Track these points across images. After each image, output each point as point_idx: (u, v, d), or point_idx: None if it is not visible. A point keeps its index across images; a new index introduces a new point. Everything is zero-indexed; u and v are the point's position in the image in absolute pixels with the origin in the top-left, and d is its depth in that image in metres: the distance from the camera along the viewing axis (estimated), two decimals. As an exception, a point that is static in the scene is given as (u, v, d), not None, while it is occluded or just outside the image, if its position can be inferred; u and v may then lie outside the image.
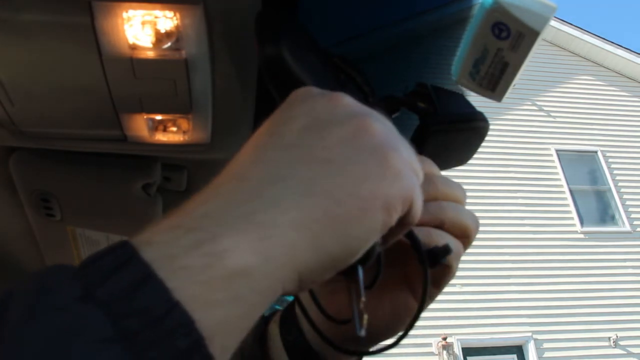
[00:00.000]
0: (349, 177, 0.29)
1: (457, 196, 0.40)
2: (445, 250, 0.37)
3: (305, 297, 0.44)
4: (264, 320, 0.49)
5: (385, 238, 0.32)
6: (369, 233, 0.29)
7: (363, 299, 0.34)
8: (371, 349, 0.43)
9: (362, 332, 0.34)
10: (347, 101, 0.32)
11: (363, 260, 0.33)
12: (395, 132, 0.32)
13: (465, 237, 0.40)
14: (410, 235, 0.37)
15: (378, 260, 0.38)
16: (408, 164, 0.31)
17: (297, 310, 0.45)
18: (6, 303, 0.22)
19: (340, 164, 0.29)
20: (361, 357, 0.46)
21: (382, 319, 0.41)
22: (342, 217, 0.28)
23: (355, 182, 0.29)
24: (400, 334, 0.41)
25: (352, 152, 0.29)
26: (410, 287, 0.41)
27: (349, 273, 0.33)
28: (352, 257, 0.29)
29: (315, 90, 0.33)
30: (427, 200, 0.37)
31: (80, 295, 0.22)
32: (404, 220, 0.32)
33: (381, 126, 0.31)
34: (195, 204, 0.27)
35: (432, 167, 0.40)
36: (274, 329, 0.47)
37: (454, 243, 0.38)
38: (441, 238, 0.38)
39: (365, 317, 0.35)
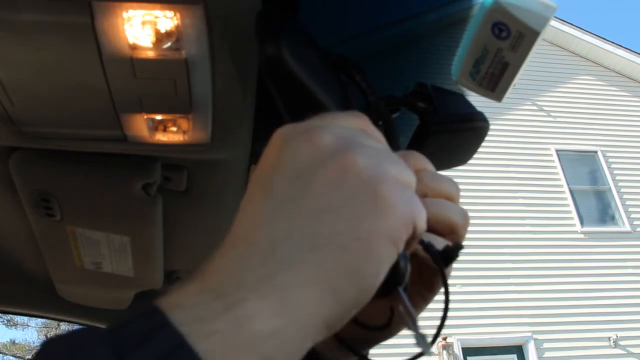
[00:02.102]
0: (347, 222, 0.29)
1: (446, 191, 0.40)
2: (458, 247, 0.37)
3: None
4: None
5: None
6: (379, 267, 0.29)
7: (415, 316, 0.34)
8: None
9: (429, 349, 0.34)
10: (327, 139, 0.32)
11: (399, 281, 0.33)
12: (379, 152, 0.32)
13: (452, 233, 0.40)
14: (420, 241, 0.36)
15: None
16: (399, 186, 0.31)
17: None
18: None
19: (334, 209, 0.29)
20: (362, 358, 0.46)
21: (380, 322, 0.41)
22: (352, 262, 0.29)
23: (354, 224, 0.29)
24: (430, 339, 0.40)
25: (343, 194, 0.30)
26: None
27: (387, 294, 0.33)
28: (371, 292, 0.30)
29: (294, 130, 0.33)
30: None
31: None
32: (414, 235, 0.32)
33: (364, 157, 0.31)
34: (213, 268, 0.28)
35: (422, 161, 0.40)
36: None
37: (441, 244, 0.38)
38: (425, 237, 0.38)
39: (427, 333, 0.34)
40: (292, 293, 0.27)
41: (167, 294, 0.27)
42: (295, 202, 0.30)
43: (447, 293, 0.37)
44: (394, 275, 0.32)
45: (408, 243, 0.32)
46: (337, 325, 0.29)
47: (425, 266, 0.39)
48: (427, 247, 0.37)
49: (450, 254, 0.37)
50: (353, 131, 0.34)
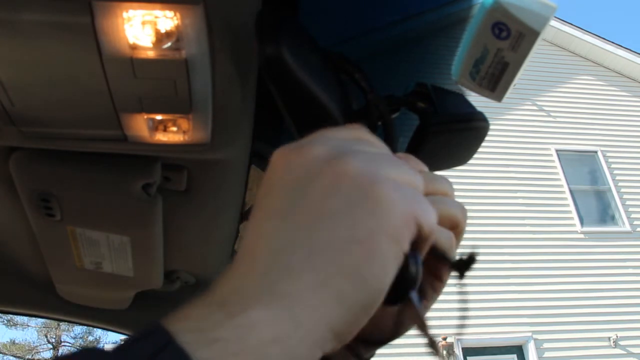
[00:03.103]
0: (344, 226, 0.29)
1: (443, 190, 0.40)
2: (472, 258, 0.37)
3: None
4: None
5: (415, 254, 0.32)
6: (383, 269, 0.29)
7: (428, 323, 0.34)
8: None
9: (441, 354, 0.34)
10: (318, 150, 0.32)
11: (411, 285, 0.32)
12: (375, 155, 0.33)
13: (454, 227, 0.40)
14: (434, 251, 0.36)
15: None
16: (397, 185, 0.31)
17: None
18: None
19: (331, 215, 0.30)
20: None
21: (384, 326, 0.41)
22: (352, 264, 0.28)
23: (352, 227, 0.29)
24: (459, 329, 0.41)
25: (338, 199, 0.30)
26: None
27: (398, 300, 0.33)
28: (378, 295, 0.30)
29: (287, 149, 0.34)
30: None
31: None
32: (422, 235, 0.32)
33: (357, 161, 0.31)
34: (221, 281, 0.29)
35: (416, 163, 0.40)
36: None
37: (446, 234, 0.39)
38: (439, 232, 0.38)
39: (439, 340, 0.35)
40: (294, 300, 0.27)
41: (176, 312, 0.27)
42: (292, 213, 0.30)
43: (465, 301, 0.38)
44: (404, 280, 0.31)
45: (418, 245, 0.32)
46: (346, 332, 0.29)
47: (434, 257, 0.39)
48: (442, 255, 0.36)
49: (467, 263, 0.37)
50: (346, 141, 0.34)
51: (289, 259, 0.29)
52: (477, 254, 0.37)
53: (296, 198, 0.31)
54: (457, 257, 0.37)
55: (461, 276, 0.37)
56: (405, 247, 0.30)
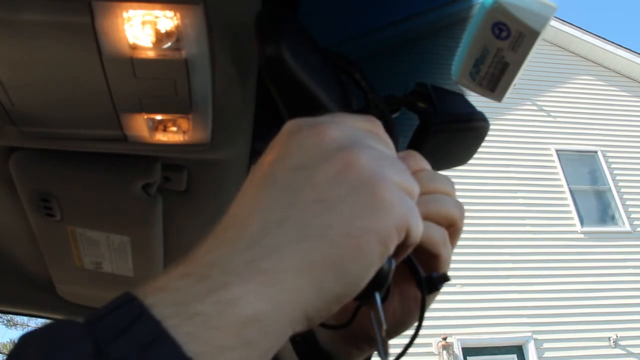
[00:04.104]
0: (340, 217, 0.29)
1: (444, 189, 0.40)
2: (443, 278, 0.37)
3: None
4: None
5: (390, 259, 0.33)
6: (367, 268, 0.30)
7: (385, 326, 0.34)
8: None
9: (388, 359, 0.34)
10: (334, 134, 0.32)
11: (379, 286, 0.32)
12: (383, 154, 0.33)
13: (451, 225, 0.40)
14: (409, 261, 0.37)
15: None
16: (399, 190, 0.31)
17: None
18: (20, 355, 0.22)
19: (331, 203, 0.29)
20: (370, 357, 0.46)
21: (394, 314, 0.42)
22: (339, 257, 0.29)
23: (347, 220, 0.29)
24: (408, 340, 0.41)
25: (341, 189, 0.30)
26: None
27: (365, 298, 0.33)
28: (355, 291, 0.30)
29: (303, 123, 0.33)
30: None
31: (92, 352, 0.22)
32: (406, 243, 0.32)
33: (368, 156, 0.31)
34: (202, 251, 0.28)
35: (421, 162, 0.41)
36: None
37: (439, 231, 0.39)
38: (427, 228, 0.38)
39: (388, 343, 0.35)
40: (276, 279, 0.27)
41: (151, 280, 0.27)
42: (293, 191, 0.30)
43: (421, 318, 0.37)
44: (376, 278, 0.31)
45: (398, 250, 0.32)
46: (316, 318, 0.29)
47: (408, 266, 0.39)
48: (414, 269, 0.37)
49: (435, 282, 0.37)
50: (362, 131, 0.34)
51: (278, 237, 0.28)
52: (448, 278, 0.38)
53: (301, 177, 0.30)
54: (429, 275, 0.37)
55: (428, 292, 0.37)
56: (391, 251, 0.31)
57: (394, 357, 0.35)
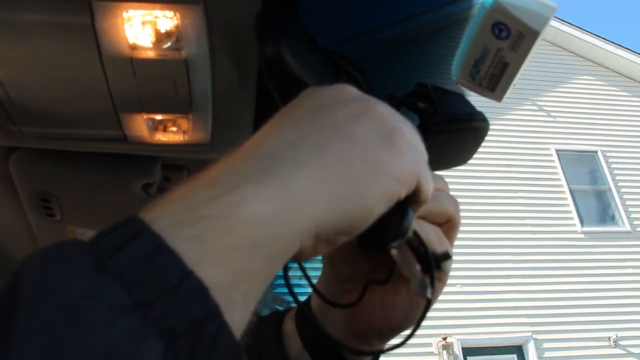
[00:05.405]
0: (357, 146, 0.30)
1: (438, 186, 0.41)
2: (445, 255, 0.38)
3: (314, 297, 0.45)
4: (278, 317, 0.49)
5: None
6: (381, 195, 0.30)
7: (415, 264, 0.36)
8: (380, 348, 0.44)
9: (429, 293, 0.36)
10: (353, 90, 0.34)
11: (400, 235, 0.34)
12: (399, 117, 0.34)
13: (448, 221, 0.41)
14: (410, 244, 0.38)
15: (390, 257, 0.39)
16: (412, 145, 0.33)
17: (314, 304, 0.46)
18: (20, 274, 0.22)
19: (349, 135, 0.30)
20: (377, 356, 0.46)
21: (395, 316, 0.42)
22: (357, 177, 0.29)
23: (364, 149, 0.30)
24: (408, 333, 0.41)
25: (359, 127, 0.31)
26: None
27: (385, 245, 0.34)
28: (368, 217, 0.30)
29: (321, 87, 0.35)
30: None
31: (94, 266, 0.22)
32: (416, 198, 0.33)
33: (385, 108, 0.33)
34: (212, 167, 0.28)
35: None
36: (289, 325, 0.48)
37: (433, 230, 0.40)
38: (421, 227, 0.39)
39: (428, 278, 0.36)
40: (289, 182, 0.27)
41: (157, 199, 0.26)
42: (313, 123, 0.30)
43: (431, 291, 0.38)
44: (398, 227, 0.32)
45: (412, 201, 0.33)
46: (324, 237, 0.28)
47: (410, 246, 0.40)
48: (419, 245, 0.38)
49: (438, 260, 0.38)
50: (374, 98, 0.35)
51: (297, 151, 0.28)
52: (450, 256, 0.39)
53: (321, 112, 0.31)
54: (432, 253, 0.38)
55: (427, 270, 0.38)
56: (403, 194, 0.31)
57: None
